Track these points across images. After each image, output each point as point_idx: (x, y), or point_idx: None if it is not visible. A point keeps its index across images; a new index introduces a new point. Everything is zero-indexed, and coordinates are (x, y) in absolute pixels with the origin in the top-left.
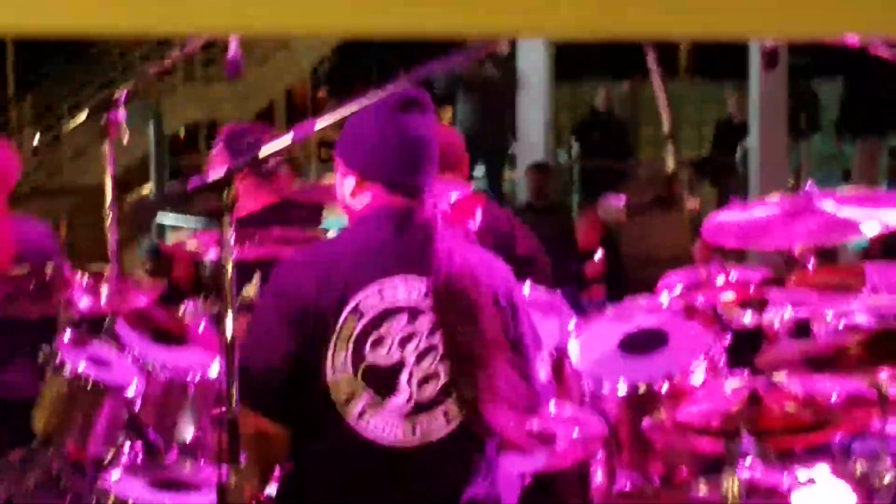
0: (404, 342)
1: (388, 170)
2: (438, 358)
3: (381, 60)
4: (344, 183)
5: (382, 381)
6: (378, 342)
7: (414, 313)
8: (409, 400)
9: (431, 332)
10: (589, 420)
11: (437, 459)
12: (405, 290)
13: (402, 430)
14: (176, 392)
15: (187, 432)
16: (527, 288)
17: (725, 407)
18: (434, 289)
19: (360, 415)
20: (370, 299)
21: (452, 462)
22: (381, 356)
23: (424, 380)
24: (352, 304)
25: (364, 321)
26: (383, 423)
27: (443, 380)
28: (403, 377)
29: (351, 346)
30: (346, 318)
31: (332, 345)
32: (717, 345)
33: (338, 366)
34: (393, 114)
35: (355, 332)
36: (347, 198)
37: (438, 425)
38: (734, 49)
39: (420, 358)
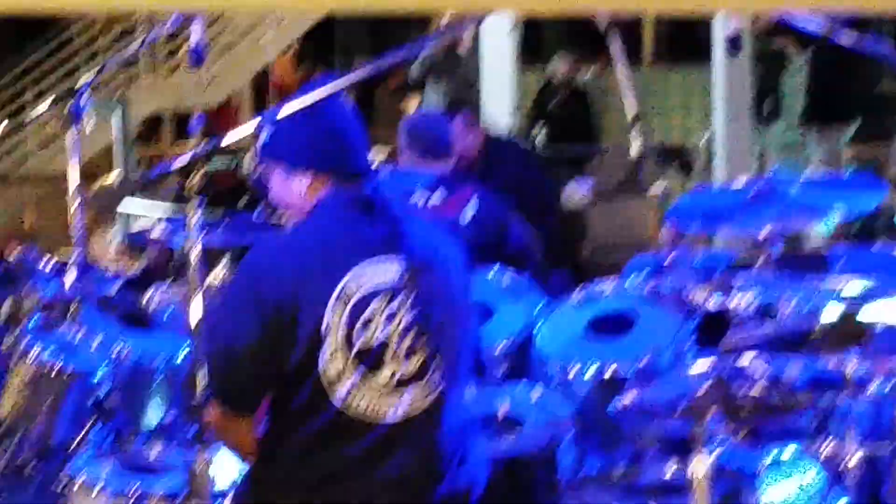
0: (388, 321)
1: (335, 160)
2: (418, 334)
3: (345, 48)
4: (292, 183)
5: (370, 362)
6: (366, 324)
7: (395, 292)
8: (392, 377)
9: (410, 309)
10: (556, 403)
11: (418, 432)
12: (384, 271)
13: (385, 405)
14: (143, 377)
15: (154, 417)
16: (493, 272)
17: (693, 390)
18: (410, 268)
19: (346, 395)
20: (352, 284)
21: (431, 435)
22: (369, 338)
23: (406, 355)
24: (336, 291)
25: (350, 305)
26: (366, 401)
27: (424, 355)
28: (388, 355)
29: (341, 331)
30: (333, 305)
31: (323, 331)
32: (684, 328)
33: (330, 351)
34: (323, 106)
35: (344, 317)
36: (299, 196)
37: (418, 399)
38: (699, 35)
39: (403, 335)
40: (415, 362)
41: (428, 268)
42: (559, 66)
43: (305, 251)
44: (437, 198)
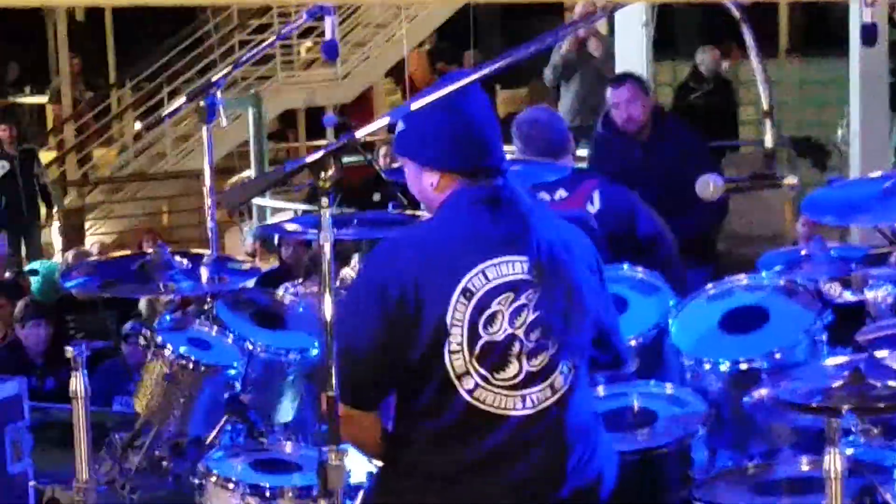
0: (514, 316)
1: (465, 160)
2: (544, 331)
3: (480, 42)
4: (423, 178)
5: (496, 358)
6: (490, 320)
7: (520, 288)
8: (518, 373)
9: (537, 306)
10: (689, 398)
11: (546, 428)
12: (508, 268)
13: (512, 402)
14: (275, 373)
15: (287, 413)
16: (626, 267)
17: (827, 384)
18: (537, 264)
19: (472, 390)
20: (476, 280)
21: (559, 431)
22: (494, 333)
23: (533, 352)
24: (461, 287)
25: (474, 301)
26: (494, 397)
27: (550, 351)
28: (514, 351)
29: (466, 327)
30: (457, 300)
31: (447, 328)
32: (819, 322)
33: (454, 347)
34: (455, 104)
35: (468, 313)
36: (430, 192)
37: (546, 396)
38: (835, 27)
39: (529, 331)
40: (541, 359)
41: (554, 265)
42: (705, 58)
43: (431, 246)
44: (559, 194)
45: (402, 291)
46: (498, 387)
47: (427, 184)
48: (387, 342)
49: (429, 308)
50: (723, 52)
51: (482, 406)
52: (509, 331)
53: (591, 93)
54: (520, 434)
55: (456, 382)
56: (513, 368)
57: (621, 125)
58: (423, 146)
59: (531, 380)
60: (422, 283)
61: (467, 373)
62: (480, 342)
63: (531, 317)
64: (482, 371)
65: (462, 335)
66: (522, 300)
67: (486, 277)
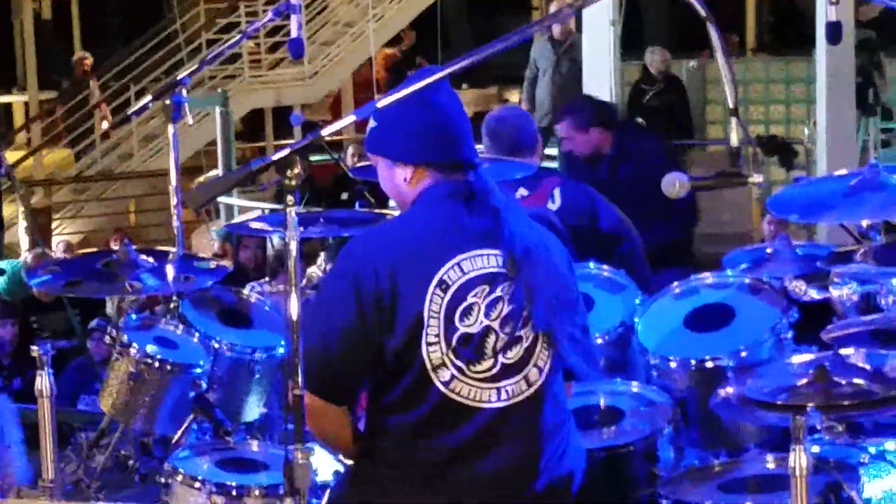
0: (489, 308)
1: (438, 153)
2: (519, 324)
3: (448, 42)
4: (395, 174)
5: (472, 350)
6: (466, 312)
7: (495, 281)
8: (493, 366)
9: (512, 299)
10: (655, 396)
11: (520, 422)
12: (483, 261)
13: (487, 394)
14: (242, 372)
15: (254, 412)
16: (592, 265)
17: (792, 382)
18: (510, 257)
19: (448, 381)
20: (452, 273)
21: (533, 424)
22: (470, 325)
23: (508, 345)
24: (436, 279)
25: (450, 293)
26: (469, 389)
27: (525, 344)
28: (489, 344)
29: (442, 319)
30: (433, 293)
31: (425, 320)
32: (784, 320)
33: (431, 339)
34: (430, 97)
35: (444, 305)
36: (404, 187)
37: (521, 389)
38: (802, 26)
39: (503, 323)
40: (516, 352)
41: (528, 258)
42: (654, 58)
43: (406, 240)
44: (520, 193)
45: (377, 284)
46: (473, 379)
47: (400, 179)
48: (362, 335)
49: (404, 300)
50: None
51: (457, 398)
52: (485, 323)
53: (566, 87)
54: (494, 427)
55: (432, 374)
56: (488, 361)
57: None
58: (395, 141)
59: (506, 372)
60: (398, 275)
61: (443, 364)
62: (457, 334)
63: (506, 309)
64: (458, 363)
65: (439, 327)
66: (498, 293)
67: (462, 270)
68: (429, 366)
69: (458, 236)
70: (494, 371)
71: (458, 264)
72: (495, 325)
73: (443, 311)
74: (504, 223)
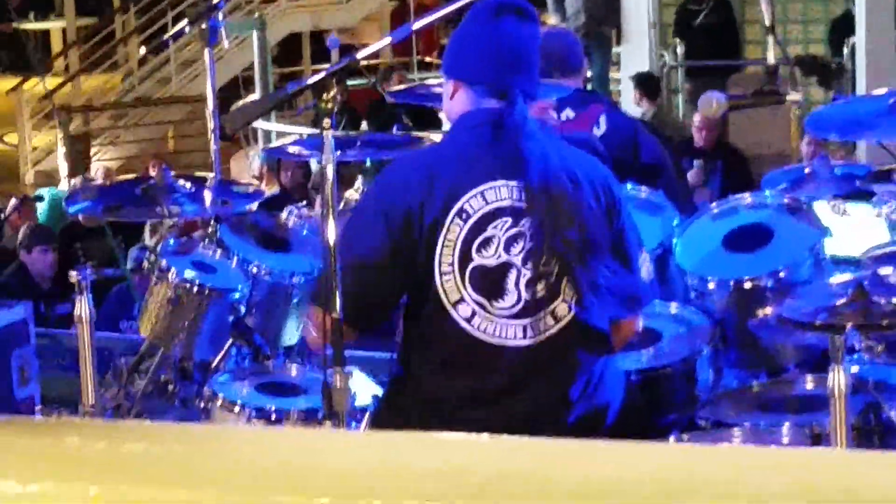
0: (510, 244)
1: (478, 73)
2: (543, 259)
3: None
4: (445, 88)
5: (490, 284)
6: (485, 244)
7: (518, 215)
8: (517, 302)
9: (535, 234)
10: (694, 317)
11: (549, 358)
12: (507, 192)
13: (513, 331)
14: (280, 296)
15: (292, 336)
16: (629, 186)
17: (831, 302)
18: (528, 191)
19: (470, 318)
20: (474, 202)
21: (563, 360)
22: (487, 258)
23: (532, 281)
24: (457, 207)
25: (470, 223)
26: (493, 326)
27: (550, 280)
28: (510, 279)
29: (458, 248)
30: (452, 221)
31: (439, 247)
32: (823, 239)
33: (445, 269)
34: (486, 19)
35: (462, 235)
36: (448, 102)
37: (547, 325)
38: None
39: (526, 259)
40: (541, 288)
41: (553, 193)
42: None
43: (434, 166)
44: (566, 114)
45: (407, 213)
46: (497, 316)
47: (446, 94)
48: (389, 263)
49: (426, 228)
50: None
51: (481, 335)
52: (504, 258)
53: (593, 11)
54: (522, 366)
55: (451, 309)
56: (511, 297)
57: None
58: (445, 55)
59: (531, 308)
60: (426, 206)
61: (461, 300)
62: (471, 265)
63: (528, 245)
64: (478, 297)
65: (453, 256)
66: (519, 228)
67: (486, 199)
68: (444, 298)
69: (483, 165)
70: (518, 308)
71: (481, 193)
72: (517, 260)
73: (460, 241)
74: (531, 157)
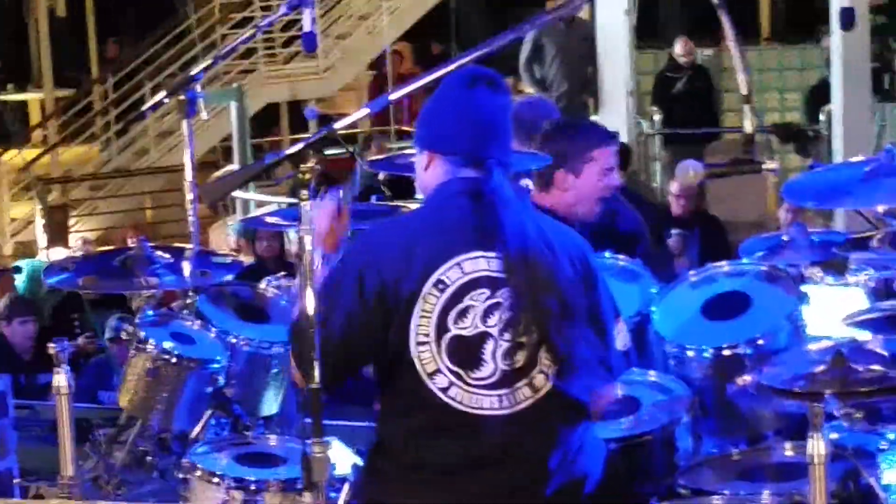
0: (487, 314)
1: (453, 143)
2: (520, 330)
3: (460, 33)
4: (418, 161)
5: (467, 355)
6: (462, 315)
7: (496, 285)
8: (494, 372)
9: (512, 304)
10: (673, 385)
11: (527, 428)
12: (485, 263)
13: (489, 401)
14: (259, 367)
15: (271, 406)
16: (607, 255)
17: (810, 369)
18: (506, 261)
19: (447, 388)
20: (452, 272)
21: (541, 431)
22: (464, 328)
23: (509, 351)
24: (434, 278)
25: (447, 294)
26: (470, 396)
27: (528, 350)
28: (488, 350)
29: (435, 319)
30: (428, 291)
31: (415, 318)
32: (801, 307)
33: (421, 339)
34: (460, 90)
35: (439, 305)
36: (422, 174)
37: (525, 395)
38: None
39: (503, 330)
40: (519, 358)
41: (534, 261)
42: (680, 47)
43: (412, 236)
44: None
45: (380, 280)
46: (474, 386)
47: (420, 166)
48: (364, 327)
49: (402, 297)
50: (705, 39)
51: (458, 406)
52: (481, 328)
53: (580, 66)
54: (499, 434)
55: (427, 380)
56: (488, 367)
57: None
58: (419, 125)
59: (508, 379)
60: (402, 275)
61: (438, 370)
62: (448, 335)
63: (506, 315)
64: (454, 368)
65: (430, 327)
66: (497, 298)
67: (463, 270)
68: (421, 369)
69: (461, 236)
70: (495, 378)
71: (458, 264)
72: (493, 330)
73: (437, 312)
74: (507, 225)
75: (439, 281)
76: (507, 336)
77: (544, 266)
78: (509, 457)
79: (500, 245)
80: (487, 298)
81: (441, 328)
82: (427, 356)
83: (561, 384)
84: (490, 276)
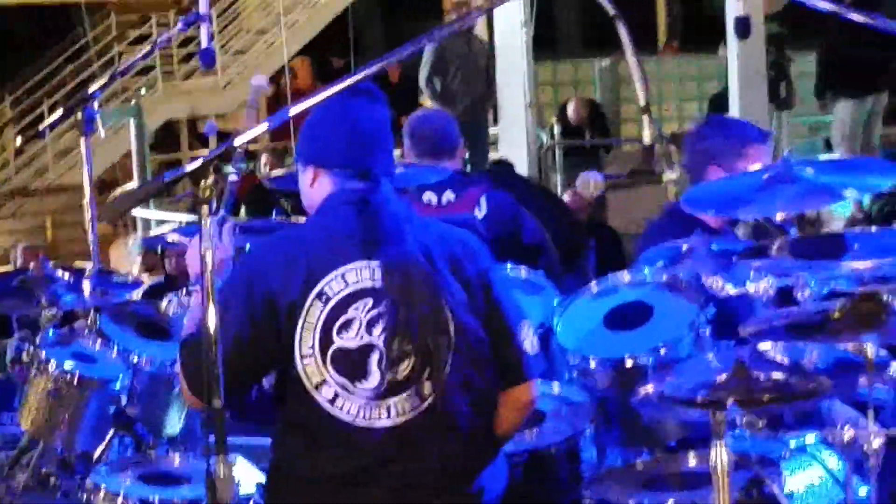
0: (371, 325)
1: (339, 157)
2: (405, 340)
3: (358, 48)
4: (302, 177)
5: (352, 366)
6: (345, 326)
7: (378, 296)
8: (380, 383)
9: (395, 316)
10: (576, 396)
11: (417, 438)
12: (368, 273)
13: (377, 412)
14: (161, 385)
15: (175, 425)
16: (508, 267)
17: (711, 378)
18: (384, 269)
19: (333, 399)
20: (335, 284)
21: (431, 441)
22: (348, 340)
23: (394, 361)
24: (316, 290)
25: (330, 305)
26: (357, 407)
27: (414, 360)
28: (373, 360)
29: (318, 331)
30: (311, 304)
31: (298, 331)
32: (702, 316)
33: (305, 352)
34: (338, 103)
35: (322, 317)
36: (307, 190)
37: (413, 405)
38: (712, 23)
39: (389, 340)
40: (404, 367)
41: (410, 269)
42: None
43: (294, 249)
44: (447, 197)
45: (268, 294)
46: (360, 397)
47: (305, 182)
48: (250, 344)
49: (287, 311)
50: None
51: (346, 417)
52: (366, 339)
53: (479, 79)
54: (389, 444)
55: (313, 392)
56: (374, 378)
57: None
58: (300, 144)
59: (395, 389)
60: (284, 285)
61: (324, 382)
62: (332, 347)
63: (390, 325)
64: (340, 379)
65: (313, 339)
66: (380, 308)
67: (346, 281)
68: (306, 381)
69: (346, 246)
70: (382, 388)
71: (341, 275)
72: (378, 341)
73: (320, 323)
74: (387, 234)
75: (321, 293)
76: (393, 346)
77: (420, 274)
78: (400, 467)
79: (387, 256)
80: (371, 309)
81: (325, 340)
82: (312, 368)
83: (446, 393)
84: (373, 287)
